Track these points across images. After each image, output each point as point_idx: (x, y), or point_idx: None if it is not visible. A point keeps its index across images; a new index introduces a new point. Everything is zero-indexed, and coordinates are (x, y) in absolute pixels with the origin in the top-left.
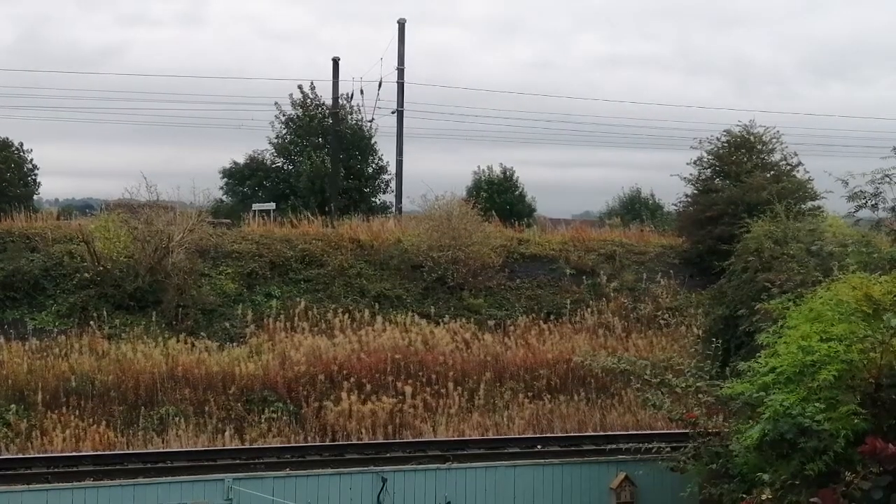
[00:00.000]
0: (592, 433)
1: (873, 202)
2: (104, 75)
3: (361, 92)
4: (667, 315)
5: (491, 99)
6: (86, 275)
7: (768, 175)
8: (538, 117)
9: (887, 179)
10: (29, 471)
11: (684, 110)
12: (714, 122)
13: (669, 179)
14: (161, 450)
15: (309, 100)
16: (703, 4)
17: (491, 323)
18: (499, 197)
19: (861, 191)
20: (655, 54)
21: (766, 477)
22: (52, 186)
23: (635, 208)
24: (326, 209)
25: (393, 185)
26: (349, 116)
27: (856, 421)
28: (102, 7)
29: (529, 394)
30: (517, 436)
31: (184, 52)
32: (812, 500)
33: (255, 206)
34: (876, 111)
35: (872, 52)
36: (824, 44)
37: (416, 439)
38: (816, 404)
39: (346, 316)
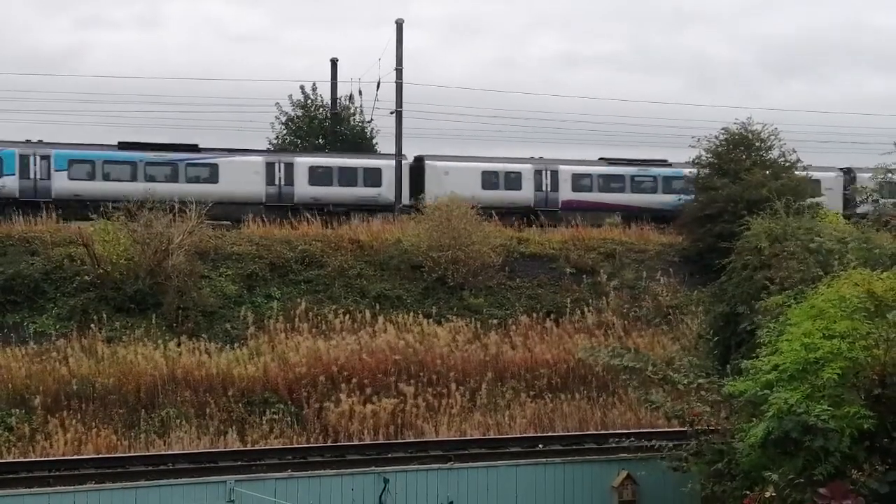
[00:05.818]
0: (594, 432)
1: (875, 197)
2: (87, 77)
3: (360, 93)
4: (670, 310)
5: (464, 98)
6: (86, 278)
7: (767, 172)
8: (518, 115)
9: (889, 175)
10: (31, 474)
11: (650, 107)
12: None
13: None
14: (163, 452)
15: (310, 101)
16: (658, 4)
17: (492, 322)
18: None
19: (862, 187)
20: (614, 53)
21: (774, 477)
22: None
23: None
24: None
25: None
26: (351, 118)
27: (862, 422)
28: (59, 10)
29: (531, 393)
30: (519, 435)
31: (147, 54)
32: (821, 489)
33: None
34: (837, 107)
35: (830, 48)
36: (780, 41)
37: (418, 439)
38: (821, 402)
39: (347, 317)
